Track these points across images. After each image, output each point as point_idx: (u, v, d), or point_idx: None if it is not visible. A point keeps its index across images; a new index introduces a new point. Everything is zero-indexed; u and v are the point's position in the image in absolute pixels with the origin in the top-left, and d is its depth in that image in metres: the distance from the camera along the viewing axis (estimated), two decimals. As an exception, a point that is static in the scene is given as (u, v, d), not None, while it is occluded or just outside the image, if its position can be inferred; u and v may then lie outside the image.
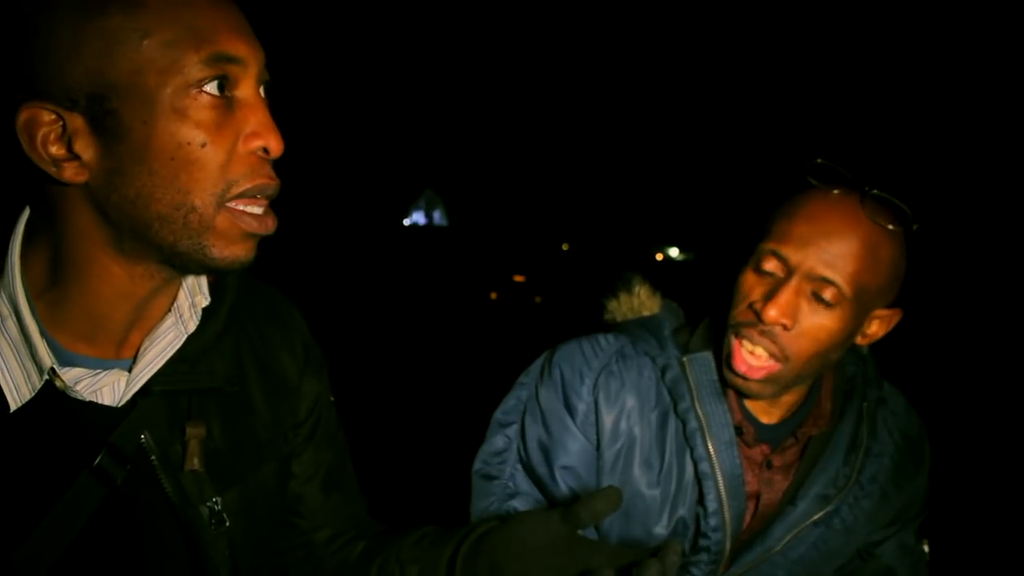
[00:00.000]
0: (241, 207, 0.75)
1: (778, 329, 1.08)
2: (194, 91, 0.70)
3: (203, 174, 0.71)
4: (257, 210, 0.76)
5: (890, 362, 1.34)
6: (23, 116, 0.69)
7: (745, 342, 1.11)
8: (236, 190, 0.74)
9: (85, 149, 0.70)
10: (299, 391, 0.99)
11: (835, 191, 1.09)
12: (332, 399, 1.09)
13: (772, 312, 1.06)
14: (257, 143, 0.74)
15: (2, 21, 0.66)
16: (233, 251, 0.76)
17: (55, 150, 0.70)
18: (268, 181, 0.76)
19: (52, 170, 0.70)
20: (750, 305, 1.10)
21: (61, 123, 0.69)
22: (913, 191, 1.09)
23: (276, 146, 0.75)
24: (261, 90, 0.77)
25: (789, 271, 1.08)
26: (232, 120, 0.73)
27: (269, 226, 0.78)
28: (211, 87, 0.70)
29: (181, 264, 0.76)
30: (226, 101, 0.72)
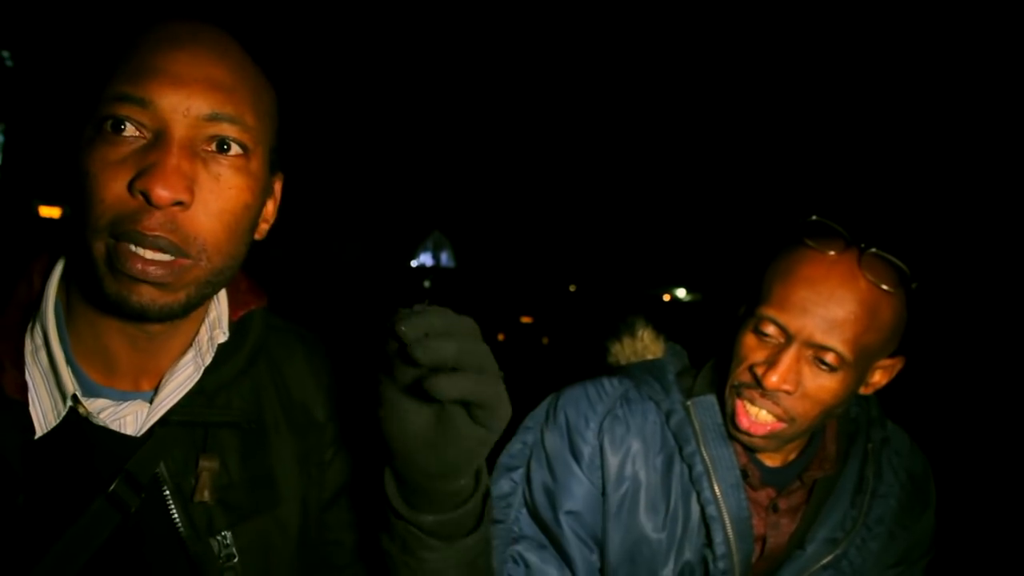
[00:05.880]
0: (129, 246, 0.72)
1: (781, 394, 1.07)
2: (97, 125, 0.73)
3: (87, 205, 0.73)
4: (150, 255, 0.73)
5: (893, 400, 1.32)
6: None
7: (748, 404, 1.11)
8: (117, 229, 0.72)
9: None
10: (325, 427, 0.97)
11: (831, 251, 1.07)
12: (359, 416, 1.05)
13: (773, 379, 1.06)
14: (140, 186, 0.71)
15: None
16: (118, 289, 0.73)
17: None
18: (139, 230, 0.71)
19: None
20: (750, 368, 1.10)
21: None
22: (911, 247, 1.07)
23: (157, 194, 0.71)
24: (198, 142, 0.75)
25: (789, 337, 1.07)
26: (130, 161, 0.72)
27: (148, 273, 0.73)
28: (109, 124, 0.73)
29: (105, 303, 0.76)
30: (126, 140, 0.73)
